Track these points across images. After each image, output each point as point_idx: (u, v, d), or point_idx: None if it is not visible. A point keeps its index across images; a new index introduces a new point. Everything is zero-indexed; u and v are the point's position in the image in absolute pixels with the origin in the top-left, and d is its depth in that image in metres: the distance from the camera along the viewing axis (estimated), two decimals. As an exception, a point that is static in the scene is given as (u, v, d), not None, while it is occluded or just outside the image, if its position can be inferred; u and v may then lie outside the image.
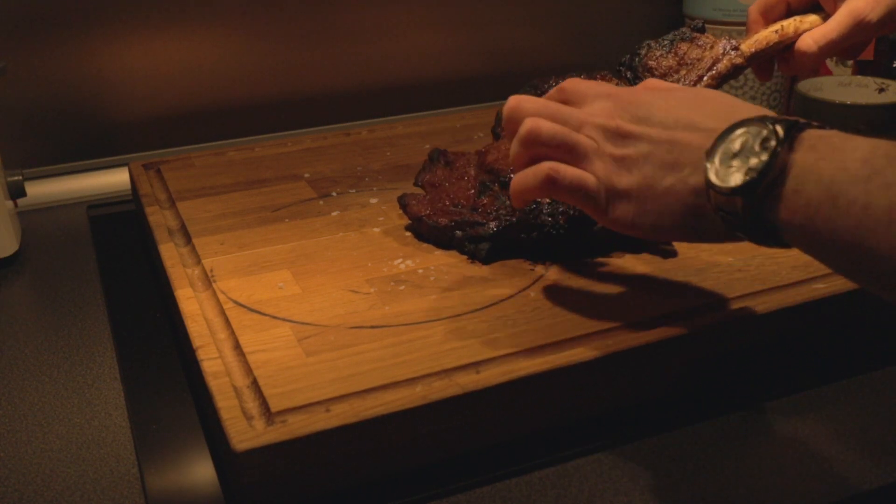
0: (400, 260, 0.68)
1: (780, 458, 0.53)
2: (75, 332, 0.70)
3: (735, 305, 0.59)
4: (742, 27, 1.04)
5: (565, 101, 0.57)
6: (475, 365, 0.54)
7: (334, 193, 0.81)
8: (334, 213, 0.76)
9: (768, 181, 0.45)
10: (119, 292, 0.75)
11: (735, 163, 0.46)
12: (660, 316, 0.58)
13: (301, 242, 0.71)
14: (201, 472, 0.53)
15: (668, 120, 0.52)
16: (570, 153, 0.54)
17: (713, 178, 0.47)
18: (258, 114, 1.05)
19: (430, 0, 1.08)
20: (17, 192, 0.84)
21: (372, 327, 0.58)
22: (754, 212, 0.46)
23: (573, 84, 0.58)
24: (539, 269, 0.66)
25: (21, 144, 0.96)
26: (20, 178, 0.84)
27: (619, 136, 0.53)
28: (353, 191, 0.81)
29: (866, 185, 0.42)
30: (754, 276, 0.63)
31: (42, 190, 0.95)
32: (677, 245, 0.68)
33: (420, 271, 0.66)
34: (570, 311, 0.59)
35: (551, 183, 0.54)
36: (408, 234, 0.72)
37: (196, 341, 0.57)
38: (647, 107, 0.53)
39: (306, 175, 0.85)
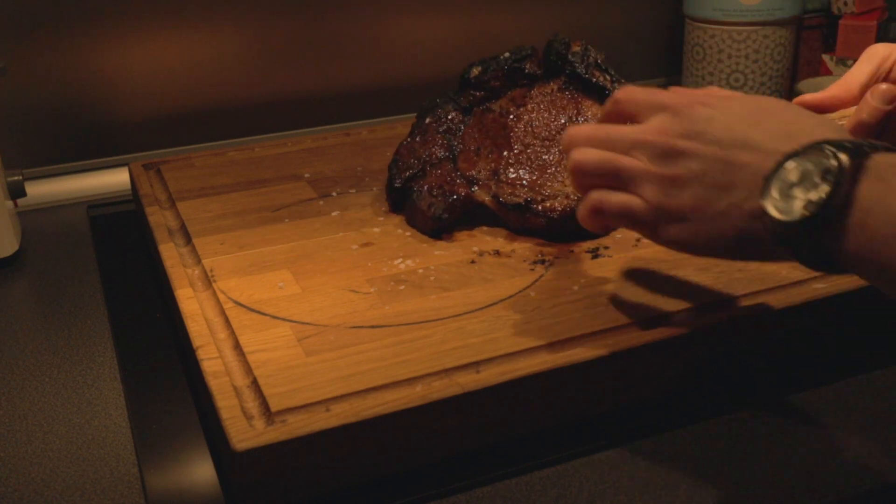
0: (400, 260, 0.68)
1: (780, 458, 0.53)
2: (75, 332, 0.70)
3: (735, 305, 0.59)
4: (741, 27, 1.04)
5: (622, 114, 0.55)
6: (475, 365, 0.54)
7: (334, 193, 0.81)
8: (334, 213, 0.76)
9: (830, 214, 0.43)
10: (119, 292, 0.75)
11: (795, 193, 0.44)
12: (660, 316, 0.58)
13: (301, 242, 0.71)
14: (201, 472, 0.53)
15: (724, 137, 0.49)
16: (616, 179, 0.52)
17: (771, 209, 0.45)
18: (258, 114, 1.05)
19: (429, 0, 1.08)
20: (17, 192, 0.84)
21: (372, 327, 0.58)
22: (813, 242, 0.44)
23: (627, 95, 0.55)
24: (539, 268, 0.66)
25: (21, 144, 0.96)
26: (20, 178, 0.84)
27: (670, 154, 0.50)
28: (353, 191, 0.81)
29: None
30: (754, 275, 0.63)
31: (42, 190, 0.95)
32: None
33: (420, 271, 0.66)
34: (570, 311, 0.59)
35: (598, 212, 0.53)
36: (408, 233, 0.72)
37: (196, 341, 0.57)
38: (703, 121, 0.50)
39: (306, 175, 0.85)
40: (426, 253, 0.69)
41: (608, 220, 0.54)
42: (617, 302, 0.60)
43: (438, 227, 0.71)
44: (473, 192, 0.71)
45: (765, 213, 0.45)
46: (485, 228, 0.72)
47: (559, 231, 0.69)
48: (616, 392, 0.56)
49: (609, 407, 0.56)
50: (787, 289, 0.61)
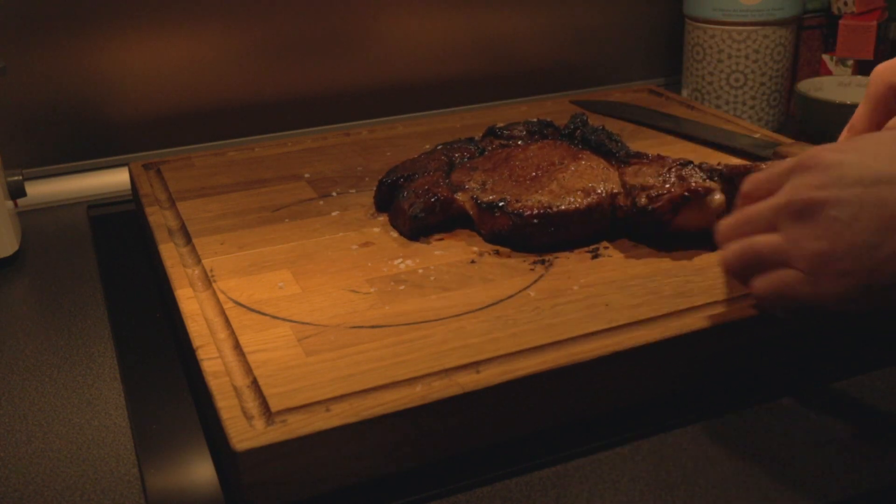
0: (400, 260, 0.68)
1: (779, 458, 0.53)
2: (75, 332, 0.70)
3: (735, 305, 0.59)
4: (741, 27, 1.04)
5: (758, 199, 0.52)
6: (475, 365, 0.54)
7: (334, 193, 0.81)
8: (334, 213, 0.76)
9: None
10: (119, 292, 0.75)
11: None
12: (660, 316, 0.58)
13: (301, 242, 0.71)
14: (201, 472, 0.53)
15: (864, 176, 0.45)
16: (762, 263, 0.50)
17: None
18: (258, 114, 1.05)
19: (430, 0, 1.08)
20: (17, 192, 0.84)
21: (372, 327, 0.58)
22: None
23: (752, 182, 0.52)
24: (539, 268, 0.66)
25: (21, 144, 0.96)
26: (20, 178, 0.84)
27: (809, 208, 0.47)
28: (353, 191, 0.81)
29: None
30: (754, 276, 0.63)
31: (42, 190, 0.95)
32: (677, 245, 0.68)
33: (420, 271, 0.66)
34: (570, 311, 0.59)
35: (764, 307, 0.51)
36: (408, 234, 0.72)
37: (196, 341, 0.57)
38: (836, 166, 0.46)
39: (306, 175, 0.85)
40: (426, 253, 0.69)
41: (777, 311, 0.51)
42: (617, 302, 0.60)
43: (416, 227, 0.70)
44: (455, 195, 0.72)
45: None
46: (485, 228, 0.72)
47: (525, 238, 0.68)
48: (616, 392, 0.56)
49: (609, 407, 0.56)
50: (787, 289, 0.61)
